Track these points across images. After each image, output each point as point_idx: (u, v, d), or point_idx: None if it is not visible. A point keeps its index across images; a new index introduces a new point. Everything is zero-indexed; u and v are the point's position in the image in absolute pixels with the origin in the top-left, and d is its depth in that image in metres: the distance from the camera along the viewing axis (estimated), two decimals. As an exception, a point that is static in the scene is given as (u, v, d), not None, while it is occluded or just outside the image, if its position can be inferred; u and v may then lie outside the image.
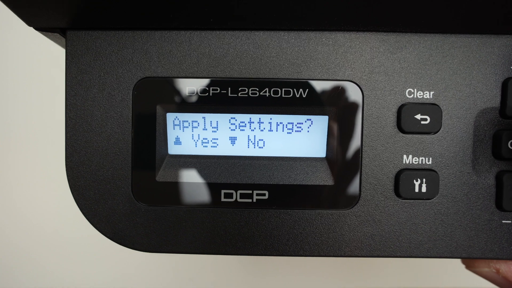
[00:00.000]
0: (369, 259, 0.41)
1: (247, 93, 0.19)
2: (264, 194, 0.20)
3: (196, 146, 0.20)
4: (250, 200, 0.20)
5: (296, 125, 0.20)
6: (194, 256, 0.42)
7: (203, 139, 0.20)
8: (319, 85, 0.19)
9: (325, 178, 0.20)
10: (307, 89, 0.19)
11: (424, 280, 0.43)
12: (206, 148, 0.20)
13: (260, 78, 0.19)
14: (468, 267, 0.22)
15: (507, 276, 0.20)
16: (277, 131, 0.20)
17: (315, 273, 0.42)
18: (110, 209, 0.19)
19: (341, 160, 0.19)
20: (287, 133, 0.20)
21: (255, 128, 0.20)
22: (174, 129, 0.20)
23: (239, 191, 0.20)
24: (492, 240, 0.19)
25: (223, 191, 0.20)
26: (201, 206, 0.20)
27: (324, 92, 0.19)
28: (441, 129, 0.19)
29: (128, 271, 0.41)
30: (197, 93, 0.19)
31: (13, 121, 0.39)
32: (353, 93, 0.19)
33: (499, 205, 0.19)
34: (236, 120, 0.20)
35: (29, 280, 0.42)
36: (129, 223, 0.20)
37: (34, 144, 0.39)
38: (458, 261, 0.23)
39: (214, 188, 0.20)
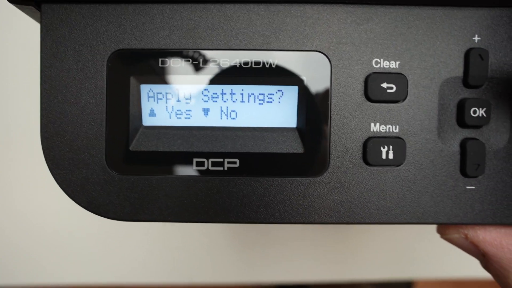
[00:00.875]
0: (356, 244, 0.42)
1: (218, 64, 0.20)
2: (235, 163, 0.20)
3: (170, 118, 0.21)
4: (222, 168, 0.20)
5: (267, 96, 0.21)
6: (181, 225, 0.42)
7: (177, 110, 0.21)
8: (288, 56, 0.20)
9: (294, 146, 0.20)
10: (276, 60, 0.20)
11: (416, 270, 0.43)
12: (180, 119, 0.21)
13: (230, 49, 0.20)
14: (441, 234, 0.22)
15: (474, 241, 0.20)
16: (249, 102, 0.21)
17: (306, 262, 0.42)
18: (84, 179, 0.20)
19: (310, 129, 0.20)
20: (259, 104, 0.21)
21: (227, 100, 0.21)
22: (148, 100, 0.21)
23: (210, 160, 0.20)
24: (457, 206, 0.20)
25: (195, 160, 0.20)
26: (173, 175, 0.20)
27: (293, 63, 0.20)
28: (407, 97, 0.20)
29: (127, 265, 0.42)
30: (169, 64, 0.20)
31: (11, 120, 0.40)
32: (321, 64, 0.20)
33: (463, 171, 0.20)
34: (208, 91, 0.21)
35: (27, 277, 0.42)
36: (103, 192, 0.20)
37: (32, 144, 0.40)
38: (448, 249, 0.23)
39: (186, 157, 0.20)
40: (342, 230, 0.42)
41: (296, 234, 0.42)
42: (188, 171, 0.20)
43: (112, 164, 0.20)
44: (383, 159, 0.20)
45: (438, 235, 0.23)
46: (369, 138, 0.20)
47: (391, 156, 0.20)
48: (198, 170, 0.20)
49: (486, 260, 0.20)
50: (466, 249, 0.21)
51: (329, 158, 0.20)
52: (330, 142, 0.20)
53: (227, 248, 0.42)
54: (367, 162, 0.20)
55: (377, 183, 0.20)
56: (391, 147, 0.20)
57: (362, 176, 0.20)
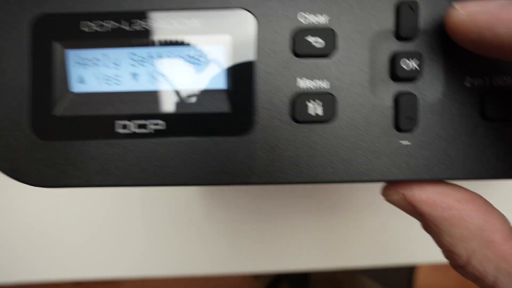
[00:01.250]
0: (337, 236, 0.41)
1: (142, 26, 0.20)
2: (159, 124, 0.19)
3: (99, 83, 0.21)
4: (146, 131, 0.19)
5: (195, 57, 0.20)
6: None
7: (106, 76, 0.21)
8: (212, 15, 0.19)
9: (221, 106, 0.19)
10: (201, 19, 0.19)
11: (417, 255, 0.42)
12: (109, 85, 0.21)
13: (154, 10, 0.19)
14: (384, 197, 0.21)
15: (411, 201, 0.19)
16: (178, 64, 0.20)
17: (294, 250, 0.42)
18: (7, 146, 0.19)
19: (237, 88, 0.19)
20: (187, 65, 0.20)
21: (155, 63, 0.20)
22: (76, 66, 0.20)
23: (135, 121, 0.19)
24: (392, 162, 0.19)
25: (119, 122, 0.20)
26: (98, 139, 0.19)
27: (218, 22, 0.19)
28: (337, 52, 0.19)
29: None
30: (93, 28, 0.20)
31: None
32: (247, 21, 0.19)
33: (397, 126, 0.19)
34: (136, 55, 0.20)
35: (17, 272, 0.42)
36: (27, 159, 0.19)
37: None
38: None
39: (110, 120, 0.20)
40: (338, 216, 0.41)
41: (291, 222, 0.42)
42: (112, 134, 0.20)
43: (36, 130, 0.19)
44: (312, 115, 0.19)
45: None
46: (297, 94, 0.19)
47: (319, 112, 0.19)
48: (123, 133, 0.20)
49: (423, 220, 0.19)
50: (406, 210, 0.20)
51: (256, 116, 0.19)
52: (256, 100, 0.19)
53: (221, 237, 0.42)
54: (295, 119, 0.19)
55: (307, 141, 0.19)
56: (320, 102, 0.19)
57: (291, 134, 0.19)
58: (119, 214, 0.41)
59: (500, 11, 0.15)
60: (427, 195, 0.19)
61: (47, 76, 0.20)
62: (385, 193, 0.21)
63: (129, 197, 0.41)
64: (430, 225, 0.19)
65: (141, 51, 0.20)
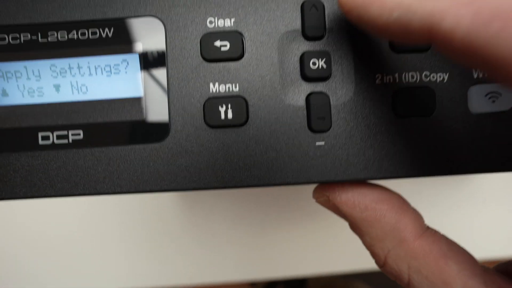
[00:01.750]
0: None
1: (57, 37, 0.20)
2: (79, 134, 0.20)
3: (23, 96, 0.21)
4: (66, 141, 0.20)
5: (113, 67, 0.20)
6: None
7: (29, 88, 0.21)
8: (123, 24, 0.20)
9: (136, 114, 0.20)
10: (112, 28, 0.20)
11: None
12: (33, 97, 0.21)
13: (66, 21, 0.20)
14: (314, 198, 0.21)
15: (334, 203, 0.19)
16: (96, 74, 0.21)
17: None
18: None
19: (151, 95, 0.20)
20: (107, 76, 0.21)
21: (75, 74, 0.21)
22: (-1, 80, 0.21)
23: (55, 133, 0.20)
24: (308, 164, 0.19)
25: (40, 134, 0.20)
26: (20, 151, 0.20)
27: (129, 30, 0.20)
28: (245, 55, 0.19)
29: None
30: (8, 41, 0.20)
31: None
32: (156, 28, 0.20)
33: (310, 126, 0.19)
34: (56, 67, 0.21)
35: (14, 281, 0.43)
36: None
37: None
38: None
39: (31, 132, 0.20)
40: (332, 220, 0.42)
41: (285, 227, 0.42)
42: (34, 146, 0.20)
43: None
44: (223, 119, 0.19)
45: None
46: (208, 99, 0.19)
47: (230, 115, 0.19)
48: (44, 145, 0.20)
49: (348, 221, 0.20)
50: (333, 211, 0.20)
51: (170, 123, 0.19)
52: (169, 106, 0.19)
53: (213, 246, 0.42)
54: (208, 124, 0.19)
55: (221, 145, 0.19)
56: (229, 106, 0.19)
57: (205, 139, 0.19)
58: (100, 226, 0.42)
59: None
60: (347, 197, 0.19)
61: None
62: (314, 195, 0.21)
63: (107, 206, 0.42)
64: (353, 226, 0.19)
65: (61, 63, 0.21)
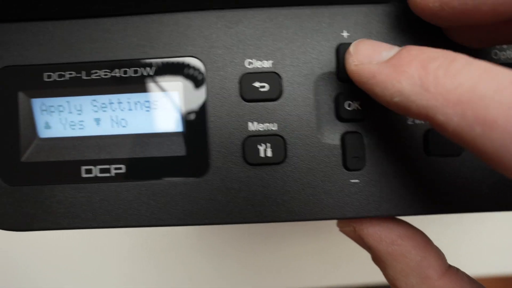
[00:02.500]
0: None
1: (100, 75, 0.21)
2: (121, 168, 0.21)
3: (65, 129, 0.22)
4: (109, 174, 0.21)
5: (152, 102, 0.21)
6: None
7: (70, 122, 0.22)
8: (165, 63, 0.20)
9: (177, 149, 0.21)
10: (153, 68, 0.20)
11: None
12: (74, 130, 0.22)
13: (109, 60, 0.20)
14: (338, 226, 0.22)
15: (360, 234, 0.20)
16: (136, 109, 0.21)
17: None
18: None
19: (192, 132, 0.20)
20: (146, 111, 0.21)
21: (116, 108, 0.21)
22: (42, 114, 0.22)
23: (98, 166, 0.21)
24: (343, 200, 0.20)
25: (83, 167, 0.21)
26: (63, 183, 0.21)
27: (170, 69, 0.20)
28: (283, 95, 0.20)
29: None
30: (55, 78, 0.21)
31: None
32: (197, 68, 0.20)
33: (345, 165, 0.20)
34: (97, 102, 0.21)
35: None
36: None
37: None
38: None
39: (75, 165, 0.21)
40: (334, 234, 0.42)
41: (287, 242, 0.42)
42: (77, 179, 0.21)
43: (4, 176, 0.21)
44: (262, 157, 0.20)
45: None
46: (247, 137, 0.20)
47: (269, 153, 0.20)
48: (87, 178, 0.21)
49: (371, 252, 0.20)
50: (357, 241, 0.21)
51: (210, 159, 0.20)
52: (209, 143, 0.20)
53: (223, 257, 0.43)
54: (247, 162, 0.20)
55: (260, 182, 0.20)
56: (269, 144, 0.20)
57: (244, 175, 0.20)
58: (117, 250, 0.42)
59: (376, 71, 0.16)
60: (374, 230, 0.20)
61: (14, 124, 0.21)
62: (339, 224, 0.22)
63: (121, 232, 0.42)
64: (377, 258, 0.20)
65: (102, 98, 0.21)
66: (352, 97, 0.20)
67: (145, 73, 0.21)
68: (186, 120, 0.20)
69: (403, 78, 0.15)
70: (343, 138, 0.20)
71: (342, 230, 0.22)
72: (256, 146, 0.20)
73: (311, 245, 0.43)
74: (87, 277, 0.43)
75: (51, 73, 0.21)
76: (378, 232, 0.20)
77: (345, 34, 0.20)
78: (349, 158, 0.20)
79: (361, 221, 0.20)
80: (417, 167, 0.20)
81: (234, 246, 0.43)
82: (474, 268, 0.41)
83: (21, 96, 0.21)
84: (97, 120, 0.22)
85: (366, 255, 0.22)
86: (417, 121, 0.20)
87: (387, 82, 0.16)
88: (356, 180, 0.20)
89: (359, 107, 0.20)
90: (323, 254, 0.43)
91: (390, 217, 0.20)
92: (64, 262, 0.43)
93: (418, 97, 0.15)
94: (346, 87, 0.20)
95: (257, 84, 0.20)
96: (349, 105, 0.20)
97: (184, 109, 0.21)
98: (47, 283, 0.43)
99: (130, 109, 0.21)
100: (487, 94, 0.13)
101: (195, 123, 0.20)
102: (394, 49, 0.17)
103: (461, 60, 0.14)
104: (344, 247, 0.42)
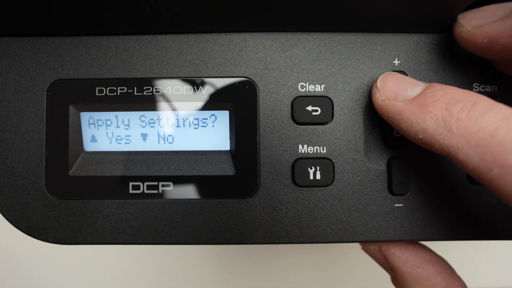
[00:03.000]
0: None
1: (152, 92, 0.21)
2: (169, 185, 0.21)
3: (110, 143, 0.22)
4: (156, 191, 0.21)
5: (201, 120, 0.21)
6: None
7: (117, 136, 0.22)
8: (217, 82, 0.21)
9: (226, 169, 0.21)
10: (206, 86, 0.21)
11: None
12: (120, 144, 0.22)
13: (163, 77, 0.21)
14: (362, 246, 0.23)
15: (385, 254, 0.21)
16: (184, 126, 0.22)
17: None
18: (24, 204, 0.21)
19: (241, 152, 0.21)
20: (194, 128, 0.22)
21: (164, 125, 0.22)
22: (89, 127, 0.22)
23: (146, 183, 0.21)
24: (387, 223, 0.21)
25: (131, 184, 0.21)
26: (110, 198, 0.21)
27: (222, 89, 0.21)
28: (333, 119, 0.21)
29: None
30: (106, 93, 0.21)
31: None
32: (249, 89, 0.21)
33: (390, 189, 0.20)
34: (145, 117, 0.22)
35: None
36: (42, 217, 0.21)
37: None
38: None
39: (122, 181, 0.21)
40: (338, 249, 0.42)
41: (292, 259, 0.42)
42: (124, 194, 0.21)
43: (52, 189, 0.21)
44: (311, 179, 0.20)
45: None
46: (297, 160, 0.20)
47: (318, 176, 0.20)
48: (134, 194, 0.21)
49: (393, 274, 0.21)
50: (380, 262, 0.22)
51: (259, 180, 0.21)
52: (259, 164, 0.21)
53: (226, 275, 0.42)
54: (296, 183, 0.20)
55: (307, 203, 0.21)
56: (318, 167, 0.20)
57: (292, 197, 0.21)
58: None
59: (402, 108, 0.17)
60: (400, 251, 0.21)
61: (62, 137, 0.21)
62: (364, 245, 0.22)
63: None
64: (399, 280, 0.21)
65: (151, 114, 0.21)
66: None
67: (197, 92, 0.21)
68: (237, 139, 0.21)
69: (427, 117, 0.16)
70: (389, 163, 0.21)
71: (366, 249, 0.22)
72: (306, 168, 0.20)
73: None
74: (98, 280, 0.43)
75: (103, 88, 0.21)
76: (404, 254, 0.20)
77: (396, 62, 0.20)
78: (395, 183, 0.20)
79: (387, 242, 0.21)
80: (460, 194, 0.21)
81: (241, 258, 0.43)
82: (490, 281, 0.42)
83: (71, 109, 0.21)
84: (144, 135, 0.22)
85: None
86: (463, 150, 0.21)
87: (413, 120, 0.17)
88: (401, 205, 0.21)
89: None
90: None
91: (416, 241, 0.21)
92: (68, 262, 0.42)
93: (441, 136, 0.16)
94: None
95: (309, 108, 0.20)
96: (397, 132, 0.20)
97: (236, 129, 0.21)
98: (48, 283, 0.42)
99: (178, 126, 0.22)
100: (506, 140, 0.14)
101: (246, 144, 0.21)
102: (419, 86, 0.18)
103: (483, 104, 0.15)
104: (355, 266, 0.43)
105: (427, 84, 0.18)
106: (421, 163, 0.21)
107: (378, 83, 0.19)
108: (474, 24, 0.18)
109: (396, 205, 0.21)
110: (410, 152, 0.21)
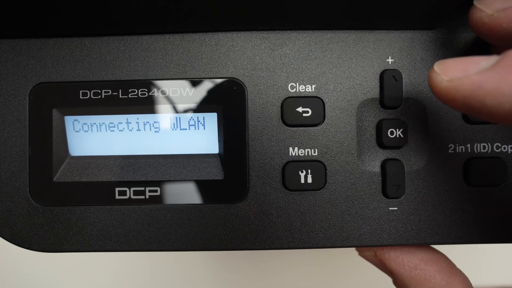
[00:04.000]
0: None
1: (137, 94, 0.20)
2: (156, 191, 0.20)
3: (96, 147, 0.21)
4: (143, 197, 0.20)
5: (189, 123, 0.21)
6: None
7: (102, 140, 0.21)
8: (204, 84, 0.20)
9: (214, 173, 0.20)
10: (193, 88, 0.20)
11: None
12: (105, 149, 0.21)
13: (148, 79, 0.20)
14: (358, 251, 0.22)
15: (382, 258, 0.20)
16: (171, 129, 0.21)
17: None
18: (8, 211, 0.20)
19: (230, 155, 0.20)
20: (181, 131, 0.21)
21: (150, 128, 0.21)
22: (74, 131, 0.21)
23: (132, 188, 0.20)
24: (381, 228, 0.20)
25: (117, 189, 0.20)
26: (96, 205, 0.20)
27: (209, 90, 0.20)
28: (325, 121, 0.20)
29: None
30: (90, 96, 0.20)
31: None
32: (237, 90, 0.20)
33: (384, 192, 0.20)
34: (131, 121, 0.21)
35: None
36: (26, 224, 0.20)
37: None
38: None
39: (108, 186, 0.20)
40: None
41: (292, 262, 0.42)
42: (111, 200, 0.20)
43: (36, 196, 0.20)
44: (302, 183, 0.20)
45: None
46: (287, 163, 0.20)
47: (310, 180, 0.20)
48: (121, 200, 0.20)
49: (393, 277, 0.20)
50: (378, 266, 0.21)
51: (249, 184, 0.20)
52: (249, 168, 0.20)
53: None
54: (286, 187, 0.20)
55: (298, 208, 0.20)
56: (309, 171, 0.20)
57: (283, 201, 0.20)
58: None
59: (482, 79, 0.14)
60: (396, 254, 0.20)
61: (46, 142, 0.20)
62: (359, 248, 0.22)
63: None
64: (399, 283, 0.20)
65: (136, 117, 0.21)
66: (395, 124, 0.20)
67: (184, 93, 0.20)
68: (226, 142, 0.20)
69: None
70: (383, 165, 0.20)
71: (362, 254, 0.22)
72: (297, 172, 0.20)
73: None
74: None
75: (87, 91, 0.20)
76: (400, 257, 0.20)
77: (389, 60, 0.20)
78: (390, 186, 0.20)
79: (382, 246, 0.20)
80: (457, 196, 0.20)
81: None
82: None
83: (55, 113, 0.20)
84: (131, 140, 0.21)
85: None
86: (458, 150, 0.20)
87: (503, 87, 0.14)
88: (395, 208, 0.20)
89: (401, 135, 0.20)
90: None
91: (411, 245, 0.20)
92: (66, 263, 0.42)
93: None
94: (388, 114, 0.20)
95: (300, 109, 0.20)
96: (392, 133, 0.20)
97: (224, 131, 0.20)
98: (47, 283, 0.42)
99: (165, 129, 0.21)
100: None
101: (236, 146, 0.20)
102: (493, 56, 0.15)
103: None
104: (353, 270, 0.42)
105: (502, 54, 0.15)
106: (416, 164, 0.20)
107: (437, 67, 0.16)
108: (496, 8, 0.16)
109: (390, 208, 0.20)
110: (405, 154, 0.20)
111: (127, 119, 0.21)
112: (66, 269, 0.42)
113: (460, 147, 0.20)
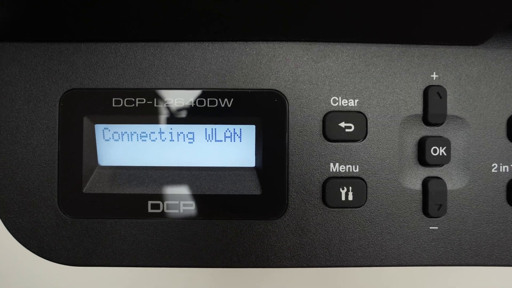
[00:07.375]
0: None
1: (173, 104, 0.19)
2: (191, 205, 0.19)
3: (127, 158, 0.20)
4: (177, 211, 0.19)
5: (225, 135, 0.20)
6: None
7: (134, 150, 0.20)
8: (244, 95, 0.19)
9: (252, 187, 0.19)
10: (232, 99, 0.19)
11: None
12: (137, 159, 0.20)
13: (185, 89, 0.19)
14: None
15: None
16: (207, 141, 0.20)
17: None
18: (35, 223, 0.19)
19: (268, 169, 0.19)
20: (217, 143, 0.20)
21: (185, 139, 0.20)
22: (103, 140, 0.20)
23: (166, 202, 0.19)
24: (420, 247, 0.19)
25: (150, 202, 0.19)
26: (128, 218, 0.19)
27: (249, 102, 0.19)
28: (367, 136, 0.19)
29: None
30: (123, 104, 0.19)
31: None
32: (278, 102, 0.19)
33: (425, 211, 0.19)
34: (165, 131, 0.20)
35: None
36: (54, 236, 0.19)
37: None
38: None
39: (141, 199, 0.19)
40: None
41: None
42: (143, 214, 0.19)
43: (65, 207, 0.19)
44: (343, 200, 0.19)
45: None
46: (328, 179, 0.19)
47: (350, 197, 0.19)
48: (154, 213, 0.19)
49: None
50: None
51: (288, 200, 0.19)
52: (288, 183, 0.19)
53: None
54: (326, 204, 0.19)
55: (338, 225, 0.19)
56: (350, 188, 0.19)
57: (322, 218, 0.19)
58: None
59: None
60: None
61: (76, 151, 0.19)
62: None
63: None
64: None
65: (171, 128, 0.20)
66: (439, 142, 0.19)
67: (222, 104, 0.19)
68: (264, 156, 0.19)
69: None
70: (425, 184, 0.19)
71: None
72: (338, 189, 0.19)
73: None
74: None
75: (120, 99, 0.19)
76: None
77: (434, 76, 0.19)
78: (431, 205, 0.19)
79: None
80: (499, 217, 0.19)
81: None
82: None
83: (86, 121, 0.19)
84: (164, 150, 0.20)
85: None
86: (501, 170, 0.19)
87: None
88: (436, 227, 0.19)
89: (445, 153, 0.19)
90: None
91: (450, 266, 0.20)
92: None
93: None
94: (430, 131, 0.19)
95: (343, 124, 0.19)
96: (435, 151, 0.19)
97: (262, 145, 0.19)
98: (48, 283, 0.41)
99: (202, 141, 0.20)
100: None
101: (274, 161, 0.19)
102: None
103: None
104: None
105: None
106: (459, 183, 0.19)
107: None
108: None
109: (431, 227, 0.19)
110: (447, 172, 0.20)
111: (160, 128, 0.20)
112: (67, 268, 0.41)
113: (504, 166, 0.19)
